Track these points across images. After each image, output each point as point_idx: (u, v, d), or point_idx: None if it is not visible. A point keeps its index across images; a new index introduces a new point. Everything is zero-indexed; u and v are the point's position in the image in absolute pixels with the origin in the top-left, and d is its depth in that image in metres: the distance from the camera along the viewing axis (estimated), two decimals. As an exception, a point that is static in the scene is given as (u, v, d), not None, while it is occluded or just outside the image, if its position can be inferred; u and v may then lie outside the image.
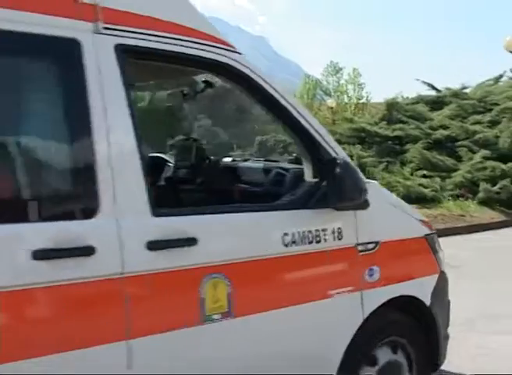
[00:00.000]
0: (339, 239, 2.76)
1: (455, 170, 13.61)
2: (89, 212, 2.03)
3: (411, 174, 13.60)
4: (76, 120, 2.11)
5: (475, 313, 5.02)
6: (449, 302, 3.42)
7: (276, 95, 2.64)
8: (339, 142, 14.41)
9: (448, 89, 16.84)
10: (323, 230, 2.68)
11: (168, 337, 2.17)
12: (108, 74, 2.15)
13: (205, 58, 2.48)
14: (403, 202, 3.52)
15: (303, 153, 2.82)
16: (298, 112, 2.70)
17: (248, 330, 2.45)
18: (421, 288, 3.16)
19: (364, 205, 2.78)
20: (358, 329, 2.81)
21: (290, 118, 2.70)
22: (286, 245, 2.55)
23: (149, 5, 2.37)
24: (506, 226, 11.32)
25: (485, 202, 12.59)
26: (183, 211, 2.56)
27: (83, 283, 1.97)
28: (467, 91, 16.84)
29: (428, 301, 3.14)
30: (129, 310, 2.06)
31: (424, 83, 17.59)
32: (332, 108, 35.04)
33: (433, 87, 17.66)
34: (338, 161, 2.66)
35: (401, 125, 15.34)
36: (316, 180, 2.72)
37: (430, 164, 13.86)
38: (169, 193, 3.08)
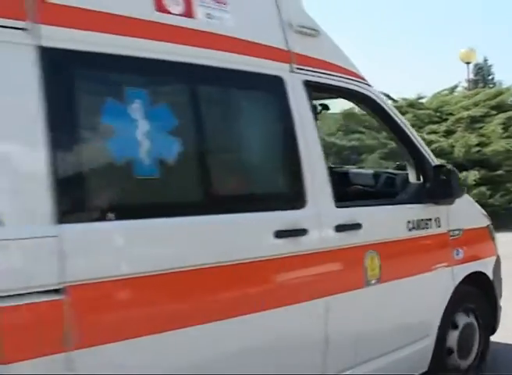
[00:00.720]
0: (438, 226, 3.76)
1: None
2: (302, 204, 2.88)
3: None
4: (289, 140, 2.94)
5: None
6: (501, 279, 4.43)
7: (395, 117, 3.70)
8: None
9: (404, 99, 17.02)
10: (429, 220, 3.67)
11: (351, 296, 3.05)
12: (302, 102, 2.99)
13: (354, 90, 3.50)
14: (472, 199, 4.65)
15: (410, 161, 3.81)
16: (409, 129, 3.78)
17: (387, 292, 3.32)
18: (487, 266, 4.22)
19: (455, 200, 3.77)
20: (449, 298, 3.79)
21: (404, 134, 3.74)
22: (410, 230, 3.53)
23: (322, 50, 3.28)
24: None
25: None
26: (352, 204, 3.37)
27: (300, 256, 2.82)
28: (423, 101, 17.07)
29: (491, 277, 4.20)
30: (328, 275, 2.97)
31: (381, 93, 18.29)
32: None
33: (389, 97, 17.50)
34: (448, 167, 3.77)
35: (358, 135, 15.48)
36: (420, 181, 3.74)
37: None
38: (344, 191, 3.84)
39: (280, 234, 2.71)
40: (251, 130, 3.00)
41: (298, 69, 3.05)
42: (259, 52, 2.89)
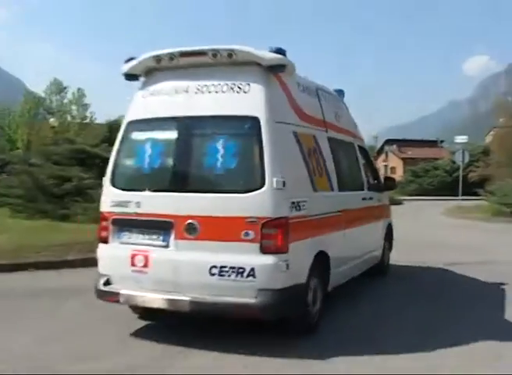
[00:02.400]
0: (379, 201, 8.88)
1: None
2: (368, 187, 8.31)
3: None
4: (356, 163, 8.22)
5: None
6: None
7: (371, 157, 9.53)
8: (59, 163, 15.04)
9: None
10: (379, 198, 8.89)
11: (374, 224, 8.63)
12: (361, 151, 8.57)
13: (356, 144, 8.38)
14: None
15: (374, 175, 9.12)
16: (374, 163, 9.94)
17: (370, 227, 8.28)
18: (391, 220, 9.82)
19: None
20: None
21: (373, 165, 9.50)
22: (377, 201, 8.70)
23: (353, 126, 8.62)
24: None
25: None
26: (373, 190, 8.64)
27: (371, 206, 8.31)
28: None
29: (391, 225, 9.86)
30: (376, 213, 8.74)
31: None
32: (54, 127, 34.37)
33: None
34: (390, 177, 10.91)
35: None
36: (380, 183, 9.17)
37: None
38: (375, 184, 8.99)
39: (364, 198, 7.95)
40: (349, 160, 7.95)
41: (354, 138, 8.39)
42: (351, 134, 8.19)
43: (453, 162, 41.72)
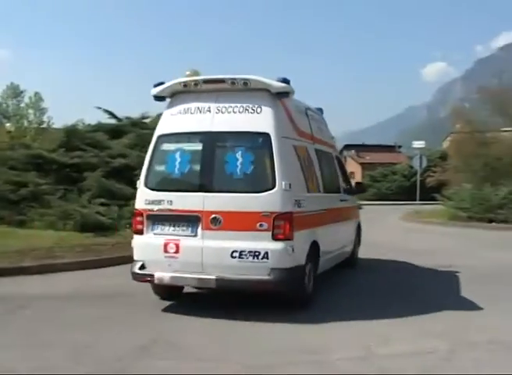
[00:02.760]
0: (353, 202, 11.14)
1: (133, 198, 13.12)
2: (344, 191, 9.88)
3: (89, 202, 13.67)
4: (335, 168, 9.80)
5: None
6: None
7: (344, 164, 11.53)
8: (15, 168, 14.63)
9: (128, 118, 17.08)
10: (353, 200, 10.86)
11: (348, 222, 10.23)
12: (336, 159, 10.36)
13: (333, 153, 10.00)
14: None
15: (347, 181, 10.54)
16: (346, 170, 11.31)
17: (345, 224, 9.88)
18: (360, 221, 11.65)
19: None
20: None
21: (346, 171, 10.82)
22: (352, 203, 11.05)
23: (328, 137, 10.06)
24: None
25: None
26: (344, 192, 10.05)
27: (345, 207, 9.88)
28: (147, 120, 17.18)
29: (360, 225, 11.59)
30: (348, 213, 10.30)
31: (105, 111, 17.28)
32: (10, 132, 33.73)
33: (114, 116, 17.54)
34: (361, 182, 16.09)
35: (80, 152, 15.17)
36: (352, 187, 10.84)
37: (108, 192, 14.03)
38: (347, 188, 10.52)
39: (341, 200, 9.53)
40: (329, 167, 9.35)
41: (332, 148, 10.34)
42: (330, 146, 9.81)
43: (411, 167, 42.12)
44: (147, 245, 7.16)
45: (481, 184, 22.98)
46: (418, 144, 30.11)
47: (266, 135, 6.87)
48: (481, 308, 7.09)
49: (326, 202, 8.42)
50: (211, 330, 6.08)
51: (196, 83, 7.24)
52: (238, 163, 6.87)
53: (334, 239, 8.79)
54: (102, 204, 13.52)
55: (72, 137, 16.04)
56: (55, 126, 45.62)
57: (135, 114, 17.47)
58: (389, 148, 78.09)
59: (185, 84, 7.30)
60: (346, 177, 10.63)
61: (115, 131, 16.63)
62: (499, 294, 7.94)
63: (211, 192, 6.90)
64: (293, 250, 6.69)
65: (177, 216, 7.02)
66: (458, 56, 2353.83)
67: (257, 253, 6.60)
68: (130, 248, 7.26)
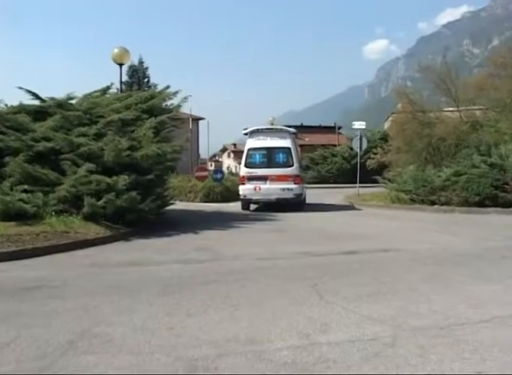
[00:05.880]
0: (304, 174, 32.84)
1: (59, 184, 13.59)
2: (296, 180, 21.41)
3: (11, 189, 13.27)
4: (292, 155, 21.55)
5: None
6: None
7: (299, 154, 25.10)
8: None
9: (53, 99, 16.38)
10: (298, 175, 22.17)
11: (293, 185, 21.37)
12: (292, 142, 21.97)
13: (298, 151, 24.88)
14: None
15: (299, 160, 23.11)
16: (299, 152, 24.94)
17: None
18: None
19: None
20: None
21: (300, 158, 25.37)
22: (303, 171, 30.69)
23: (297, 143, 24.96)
24: (113, 240, 12.19)
25: (91, 217, 12.94)
26: (294, 167, 21.46)
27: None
28: (73, 101, 16.72)
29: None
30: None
31: (28, 91, 16.57)
32: None
33: (37, 97, 16.89)
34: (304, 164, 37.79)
35: (0, 136, 14.66)
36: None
37: (32, 178, 13.60)
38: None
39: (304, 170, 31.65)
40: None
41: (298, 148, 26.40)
42: (299, 148, 25.45)
43: (351, 149, 42.79)
44: (246, 188, 20.94)
45: (424, 166, 23.81)
46: (359, 124, 30.21)
47: (288, 148, 20.98)
48: (425, 292, 7.14)
49: (301, 171, 22.67)
50: (142, 321, 5.97)
51: (262, 129, 21.95)
52: (280, 157, 20.96)
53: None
54: (25, 191, 13.19)
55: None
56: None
57: (60, 95, 16.86)
58: (329, 129, 78.54)
59: (257, 129, 21.73)
60: (301, 160, 24.62)
61: (39, 113, 16.05)
62: (442, 278, 8.08)
63: (271, 168, 20.78)
64: (301, 189, 21.31)
65: (258, 176, 20.78)
66: (400, 34, 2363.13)
67: (289, 188, 20.62)
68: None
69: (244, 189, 20.95)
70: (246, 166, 21.14)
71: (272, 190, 20.48)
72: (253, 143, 21.18)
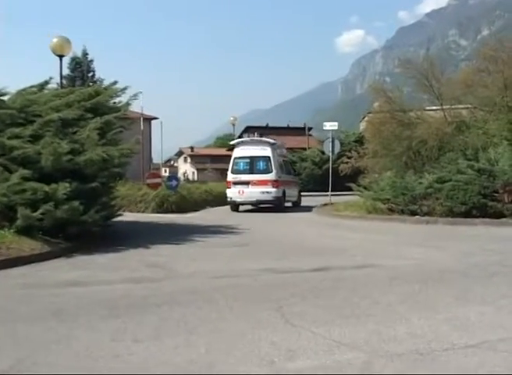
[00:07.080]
0: (297, 179, 35.35)
1: None
2: (275, 184, 27.92)
3: None
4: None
5: None
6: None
7: (289, 161, 35.62)
8: None
9: None
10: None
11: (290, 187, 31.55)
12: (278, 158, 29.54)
13: (287, 160, 33.71)
14: None
15: (292, 170, 33.64)
16: (291, 165, 35.42)
17: (288, 188, 30.20)
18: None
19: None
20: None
21: (292, 166, 35.16)
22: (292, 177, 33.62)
23: (280, 146, 32.73)
24: (52, 257, 11.95)
25: (25, 231, 12.63)
26: (281, 174, 29.98)
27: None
28: (4, 98, 16.15)
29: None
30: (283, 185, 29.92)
31: None
32: None
33: None
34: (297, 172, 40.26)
35: None
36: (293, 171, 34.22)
37: None
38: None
39: (292, 176, 32.98)
40: (285, 164, 31.09)
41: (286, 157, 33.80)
42: (284, 156, 32.85)
43: (323, 153, 42.88)
44: (232, 191, 27.67)
45: (403, 171, 23.75)
46: (331, 125, 30.26)
47: (268, 156, 27.66)
48: (404, 314, 7.10)
49: (286, 177, 29.21)
50: (85, 349, 5.86)
51: (246, 141, 30.75)
52: (261, 165, 27.73)
53: (290, 193, 29.43)
54: None
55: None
56: None
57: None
58: (299, 131, 78.89)
59: (242, 141, 30.93)
60: (292, 167, 33.30)
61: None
62: (423, 298, 8.07)
63: (253, 174, 27.55)
64: (280, 192, 27.54)
65: (242, 181, 27.43)
66: (378, 23, 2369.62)
67: (268, 191, 27.12)
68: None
69: (230, 192, 27.77)
70: (232, 172, 28.06)
71: (253, 193, 27.08)
72: (238, 152, 28.38)
